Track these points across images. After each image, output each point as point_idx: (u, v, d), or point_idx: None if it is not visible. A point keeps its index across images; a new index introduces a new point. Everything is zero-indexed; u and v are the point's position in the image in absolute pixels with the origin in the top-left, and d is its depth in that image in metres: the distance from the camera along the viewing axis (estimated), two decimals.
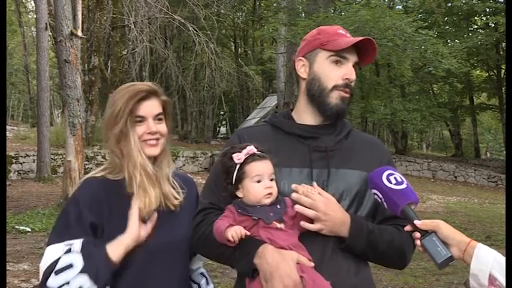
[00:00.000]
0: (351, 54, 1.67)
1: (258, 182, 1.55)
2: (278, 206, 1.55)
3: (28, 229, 8.04)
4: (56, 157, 16.38)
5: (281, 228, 1.52)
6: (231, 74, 23.25)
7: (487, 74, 25.44)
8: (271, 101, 25.30)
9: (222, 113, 33.92)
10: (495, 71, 24.01)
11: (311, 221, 1.54)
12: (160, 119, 1.74)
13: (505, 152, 21.22)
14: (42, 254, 1.64)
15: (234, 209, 1.56)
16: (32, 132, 20.51)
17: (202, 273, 1.89)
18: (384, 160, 1.72)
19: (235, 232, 1.49)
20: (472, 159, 24.89)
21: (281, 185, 1.60)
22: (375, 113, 19.08)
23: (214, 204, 1.66)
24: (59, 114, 22.90)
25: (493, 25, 21.54)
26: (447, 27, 22.56)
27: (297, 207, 1.53)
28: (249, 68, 26.55)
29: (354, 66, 1.68)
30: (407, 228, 1.43)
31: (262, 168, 1.55)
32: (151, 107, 1.71)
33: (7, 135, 19.89)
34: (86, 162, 16.21)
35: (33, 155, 15.85)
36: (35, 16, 17.97)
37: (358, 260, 1.61)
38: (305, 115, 1.72)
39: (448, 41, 20.81)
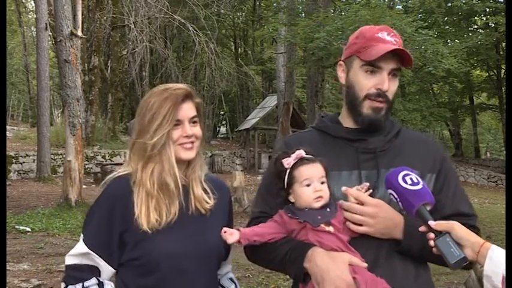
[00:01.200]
0: (386, 62, 1.58)
1: (308, 185, 1.53)
2: (328, 209, 1.52)
3: (28, 229, 8.04)
4: (56, 157, 16.38)
5: (329, 231, 1.49)
6: (231, 74, 23.27)
7: (487, 74, 25.44)
8: (271, 101, 25.30)
9: (222, 113, 33.93)
10: (495, 71, 24.01)
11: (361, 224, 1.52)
12: (195, 122, 1.71)
13: (505, 152, 21.22)
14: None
15: (284, 213, 1.55)
16: (32, 132, 20.51)
17: (231, 278, 1.85)
18: (438, 157, 1.67)
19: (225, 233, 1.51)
20: (472, 159, 24.90)
21: (331, 188, 1.58)
22: None
23: (265, 213, 1.63)
24: (59, 114, 22.89)
25: (493, 25, 21.54)
26: (447, 27, 22.55)
27: (344, 212, 1.51)
28: (249, 68, 26.58)
29: (392, 72, 1.61)
30: (422, 228, 1.42)
31: (311, 171, 1.53)
32: (187, 110, 1.68)
33: (7, 135, 19.89)
34: (86, 162, 16.22)
35: (33, 155, 15.86)
36: (35, 16, 17.97)
37: (417, 264, 1.55)
38: (348, 120, 1.70)
39: (448, 41, 20.80)
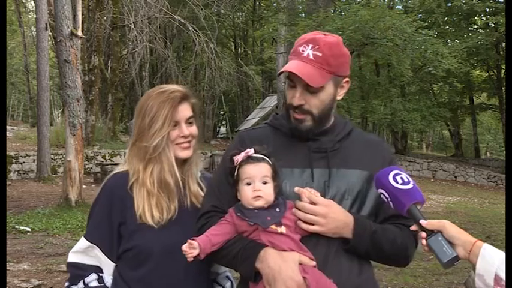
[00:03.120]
0: (297, 79, 1.59)
1: (248, 184, 1.56)
2: (277, 209, 1.54)
3: (28, 229, 8.04)
4: (56, 157, 16.38)
5: (281, 232, 1.51)
6: (231, 74, 23.25)
7: (487, 74, 25.43)
8: (271, 101, 25.31)
9: (222, 113, 33.92)
10: (495, 71, 24.00)
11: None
12: (191, 122, 1.77)
13: (505, 152, 21.23)
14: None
15: (233, 213, 1.57)
16: (32, 132, 20.51)
17: (227, 277, 1.89)
18: (386, 158, 1.71)
19: (186, 247, 1.51)
20: (472, 159, 24.89)
21: (283, 185, 1.60)
22: (375, 113, 19.09)
23: (217, 207, 1.66)
24: (59, 114, 22.89)
25: (493, 25, 21.53)
26: (447, 27, 22.56)
27: (295, 211, 1.54)
28: (249, 68, 26.56)
29: (307, 88, 1.59)
30: (413, 227, 1.44)
31: (253, 171, 1.56)
32: (184, 111, 1.75)
33: (7, 135, 19.89)
34: (86, 162, 16.22)
35: (33, 155, 15.85)
36: (35, 16, 17.98)
37: (362, 261, 1.61)
38: None
39: (448, 41, 20.81)
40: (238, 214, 1.55)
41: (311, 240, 1.54)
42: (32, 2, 28.64)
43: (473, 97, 26.69)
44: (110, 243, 1.70)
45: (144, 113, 1.73)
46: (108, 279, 1.70)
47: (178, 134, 1.73)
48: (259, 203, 1.54)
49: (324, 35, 1.65)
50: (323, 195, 1.57)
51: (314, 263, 1.50)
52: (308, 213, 1.52)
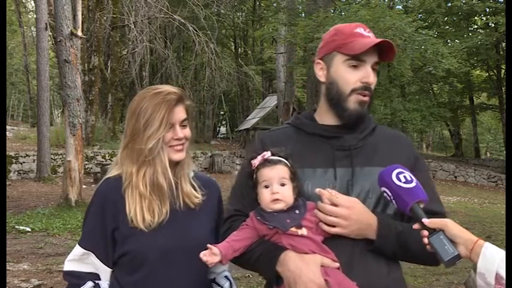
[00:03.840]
0: (369, 55, 1.60)
1: (266, 187, 1.54)
2: (296, 211, 1.52)
3: (28, 229, 8.04)
4: (56, 157, 16.38)
5: (302, 234, 1.50)
6: (231, 74, 23.27)
7: (487, 74, 25.44)
8: (271, 101, 25.32)
9: (222, 113, 33.94)
10: (495, 71, 24.01)
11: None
12: (185, 125, 1.75)
13: (505, 152, 21.23)
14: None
15: (254, 216, 1.56)
16: (32, 132, 20.52)
17: (226, 277, 1.87)
18: (411, 155, 1.69)
19: (205, 256, 1.50)
20: (472, 159, 24.89)
21: (305, 186, 1.58)
22: (375, 113, 19.03)
23: (239, 211, 1.65)
24: (59, 114, 22.89)
25: (493, 25, 21.54)
26: (447, 27, 22.56)
27: (316, 212, 1.52)
28: (249, 68, 26.58)
29: (373, 66, 1.63)
30: (416, 226, 1.43)
31: (270, 174, 1.54)
32: (179, 114, 1.72)
33: (7, 135, 19.90)
34: (86, 162, 16.23)
35: (33, 155, 15.86)
36: (35, 16, 17.98)
37: (389, 261, 1.58)
38: (326, 116, 1.70)
39: (448, 41, 20.81)
40: (258, 218, 1.54)
41: (334, 242, 1.51)
42: (32, 2, 28.65)
43: (473, 97, 26.70)
44: (104, 249, 1.68)
45: (139, 115, 1.70)
46: (105, 285, 1.69)
47: (172, 137, 1.71)
48: (279, 206, 1.52)
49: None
50: (347, 194, 1.55)
51: (337, 264, 1.48)
52: (329, 214, 1.50)
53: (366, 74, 1.61)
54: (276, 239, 1.52)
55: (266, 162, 1.56)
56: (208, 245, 1.51)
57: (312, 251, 1.48)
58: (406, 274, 5.95)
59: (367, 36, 1.62)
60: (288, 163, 1.57)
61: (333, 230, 1.50)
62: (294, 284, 1.43)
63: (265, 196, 1.54)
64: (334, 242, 1.51)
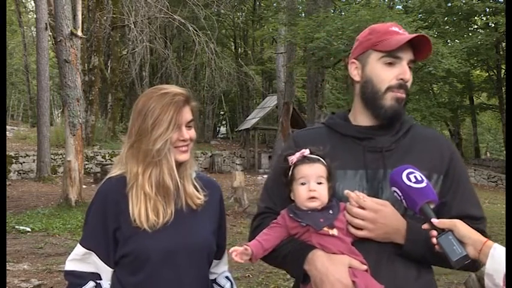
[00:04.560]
0: (405, 52, 1.59)
1: (303, 184, 1.54)
2: (330, 211, 1.52)
3: (28, 229, 8.04)
4: (56, 157, 16.39)
5: (333, 234, 1.50)
6: (231, 74, 23.27)
7: (487, 74, 25.44)
8: (271, 101, 25.31)
9: (222, 113, 33.93)
10: (495, 71, 24.01)
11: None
12: (190, 126, 1.74)
13: (505, 152, 21.23)
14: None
15: (286, 214, 1.55)
16: (32, 132, 20.52)
17: (227, 277, 1.87)
18: (446, 157, 1.64)
19: (237, 255, 1.50)
20: (472, 159, 24.90)
21: (336, 187, 1.57)
22: None
23: (270, 209, 1.66)
24: (59, 114, 22.89)
25: (493, 25, 21.53)
26: (447, 27, 22.54)
27: (346, 214, 1.52)
28: (249, 68, 26.58)
29: (408, 64, 1.61)
30: (425, 226, 1.43)
31: (308, 171, 1.54)
32: (185, 115, 1.71)
33: (7, 135, 19.90)
34: (86, 162, 16.23)
35: (33, 155, 15.86)
36: (35, 16, 17.97)
37: (419, 264, 1.55)
38: (361, 117, 1.68)
39: (448, 41, 20.80)
40: (291, 215, 1.53)
41: (363, 244, 1.51)
42: (32, 2, 28.65)
43: (473, 97, 26.71)
44: (106, 249, 1.68)
45: (146, 115, 1.68)
46: (106, 285, 1.68)
47: (178, 137, 1.69)
48: (314, 204, 1.52)
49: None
50: (377, 197, 1.53)
51: (365, 267, 1.47)
52: (356, 217, 1.50)
53: (402, 71, 1.59)
54: (306, 238, 1.52)
55: (305, 159, 1.56)
56: (244, 245, 1.52)
57: (340, 251, 1.48)
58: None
59: (402, 34, 1.61)
60: (325, 162, 1.56)
61: (360, 233, 1.50)
62: (321, 283, 1.43)
63: (301, 193, 1.53)
64: (362, 244, 1.50)
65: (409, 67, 1.61)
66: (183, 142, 1.71)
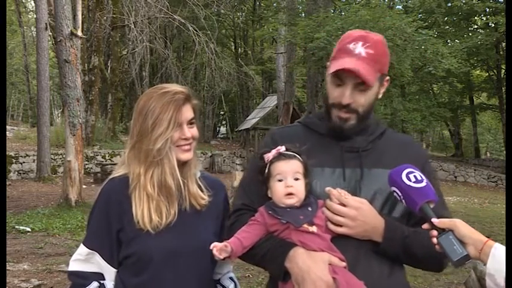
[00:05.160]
0: (348, 76, 1.57)
1: (280, 181, 1.54)
2: (309, 208, 1.52)
3: (28, 229, 8.03)
4: (56, 157, 16.38)
5: (313, 231, 1.50)
6: (231, 74, 23.26)
7: (487, 74, 25.45)
8: (271, 101, 25.30)
9: (222, 113, 33.93)
10: (495, 71, 24.01)
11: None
12: (192, 123, 1.72)
13: (505, 152, 21.23)
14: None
15: (264, 211, 1.55)
16: (32, 132, 20.52)
17: (231, 278, 1.85)
18: (420, 161, 1.66)
19: (217, 250, 1.49)
20: (472, 159, 24.90)
21: (313, 185, 1.59)
22: (375, 112, 19.00)
23: (247, 205, 1.65)
24: (59, 114, 22.90)
25: (493, 25, 21.54)
26: (447, 27, 22.55)
27: (324, 210, 1.53)
28: (249, 68, 26.57)
29: (358, 87, 1.58)
30: (425, 226, 1.43)
31: (285, 167, 1.54)
32: (186, 113, 1.70)
33: (7, 135, 19.90)
34: (86, 162, 16.22)
35: (33, 155, 15.86)
36: (35, 16, 17.97)
37: (393, 263, 1.59)
38: None
39: (448, 41, 20.80)
40: (270, 212, 1.53)
41: (341, 241, 1.52)
42: (32, 2, 28.64)
43: (473, 97, 26.70)
44: (110, 249, 1.67)
45: (146, 114, 1.67)
46: (110, 285, 1.68)
47: (180, 136, 1.68)
48: (291, 201, 1.52)
49: (368, 33, 1.65)
50: (355, 195, 1.55)
51: (344, 263, 1.48)
52: (337, 214, 1.51)
53: (341, 94, 1.59)
54: (286, 235, 1.51)
55: (281, 156, 1.56)
56: (224, 242, 1.51)
57: (320, 248, 1.48)
58: (406, 274, 5.97)
59: (356, 55, 1.57)
60: (301, 159, 1.57)
61: (339, 230, 1.51)
62: (302, 281, 1.43)
63: (278, 189, 1.53)
64: (340, 241, 1.52)
65: (362, 89, 1.58)
66: (185, 141, 1.69)
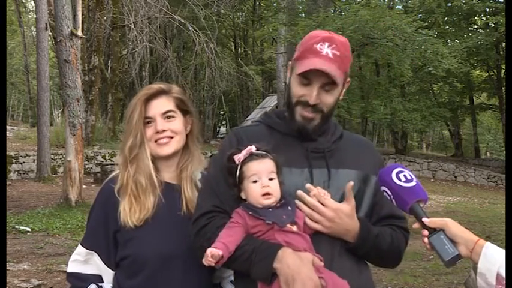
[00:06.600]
0: (316, 76, 1.58)
1: (255, 182, 1.51)
2: (289, 208, 1.51)
3: (28, 229, 8.03)
4: (56, 157, 16.37)
5: (296, 231, 1.50)
6: (231, 74, 23.23)
7: (487, 74, 25.44)
8: (271, 101, 25.31)
9: (222, 113, 33.92)
10: (495, 71, 23.99)
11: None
12: (170, 117, 1.70)
13: (505, 152, 21.23)
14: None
15: (244, 212, 1.50)
16: (32, 132, 20.50)
17: (232, 281, 1.81)
18: (377, 161, 1.75)
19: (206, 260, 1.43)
20: (472, 159, 24.89)
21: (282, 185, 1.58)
22: (375, 113, 19.06)
23: (218, 207, 1.59)
24: (59, 114, 22.89)
25: (493, 25, 21.53)
26: (447, 27, 22.55)
27: (300, 205, 1.52)
28: (249, 68, 26.55)
29: (325, 87, 1.60)
30: (416, 225, 1.44)
31: (259, 167, 1.51)
32: (158, 106, 1.69)
33: (7, 135, 19.89)
34: (86, 162, 16.21)
35: (33, 155, 15.84)
36: (35, 16, 17.97)
37: (359, 261, 1.62)
38: None
39: (448, 41, 20.80)
40: (251, 213, 1.49)
41: (314, 239, 1.53)
42: (32, 2, 28.64)
43: (473, 97, 26.68)
44: (107, 250, 1.67)
45: (127, 115, 1.71)
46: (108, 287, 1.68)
47: (154, 131, 1.68)
48: (269, 201, 1.49)
49: (332, 34, 1.66)
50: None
51: (322, 263, 1.48)
52: (315, 211, 1.52)
53: (308, 93, 1.60)
54: (269, 236, 1.49)
55: (253, 156, 1.53)
56: (216, 249, 1.44)
57: (304, 248, 1.48)
58: (406, 274, 5.97)
59: (323, 55, 1.59)
60: (273, 158, 1.55)
61: (314, 225, 1.52)
62: (292, 281, 1.41)
63: (254, 190, 1.50)
64: (315, 240, 1.53)
65: (328, 89, 1.60)
66: (159, 134, 1.68)
